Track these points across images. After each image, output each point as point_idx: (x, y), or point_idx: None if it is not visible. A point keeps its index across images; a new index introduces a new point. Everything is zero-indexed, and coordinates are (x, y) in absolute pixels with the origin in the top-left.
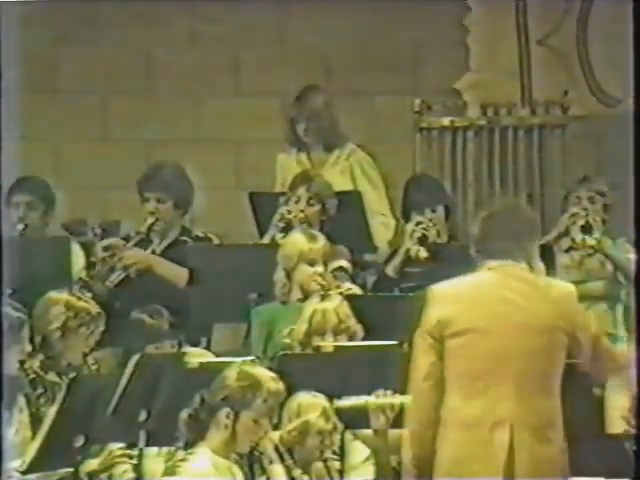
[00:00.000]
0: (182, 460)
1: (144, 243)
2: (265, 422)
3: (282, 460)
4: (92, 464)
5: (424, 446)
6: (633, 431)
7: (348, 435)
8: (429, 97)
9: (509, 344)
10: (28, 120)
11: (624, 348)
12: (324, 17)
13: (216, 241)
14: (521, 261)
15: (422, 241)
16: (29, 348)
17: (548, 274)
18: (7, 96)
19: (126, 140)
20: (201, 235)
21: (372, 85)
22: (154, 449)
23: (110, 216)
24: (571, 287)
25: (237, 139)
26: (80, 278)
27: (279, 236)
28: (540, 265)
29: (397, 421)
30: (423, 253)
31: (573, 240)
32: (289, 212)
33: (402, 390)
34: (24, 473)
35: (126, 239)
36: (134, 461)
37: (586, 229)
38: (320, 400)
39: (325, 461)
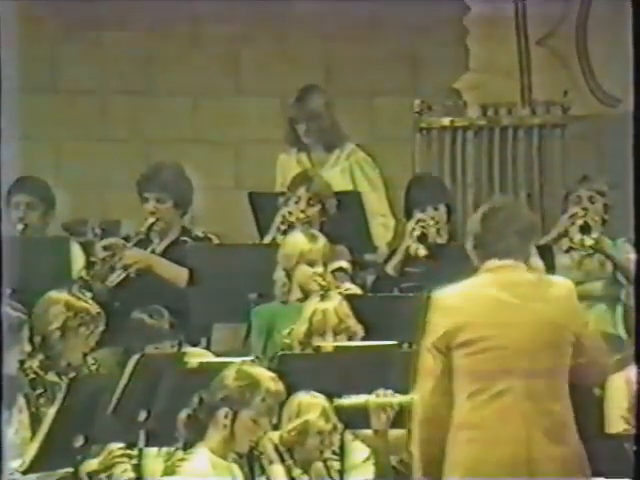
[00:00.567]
0: (181, 460)
1: (144, 243)
2: (264, 422)
3: (282, 460)
4: (92, 464)
5: (434, 452)
6: (633, 431)
7: (348, 435)
8: (429, 97)
9: (516, 350)
10: (28, 120)
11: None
12: (324, 17)
13: (216, 241)
14: (520, 260)
15: (421, 239)
16: (29, 348)
17: (548, 274)
18: (7, 96)
19: (126, 140)
20: (201, 235)
21: (372, 85)
22: (154, 449)
23: (110, 216)
24: (570, 283)
25: (237, 139)
26: (80, 278)
27: (279, 237)
28: (539, 263)
29: (397, 421)
30: (422, 251)
31: (572, 240)
32: (290, 214)
33: (402, 389)
34: (24, 473)
35: (126, 239)
36: (134, 461)
37: (584, 229)
38: (320, 400)
39: (325, 461)
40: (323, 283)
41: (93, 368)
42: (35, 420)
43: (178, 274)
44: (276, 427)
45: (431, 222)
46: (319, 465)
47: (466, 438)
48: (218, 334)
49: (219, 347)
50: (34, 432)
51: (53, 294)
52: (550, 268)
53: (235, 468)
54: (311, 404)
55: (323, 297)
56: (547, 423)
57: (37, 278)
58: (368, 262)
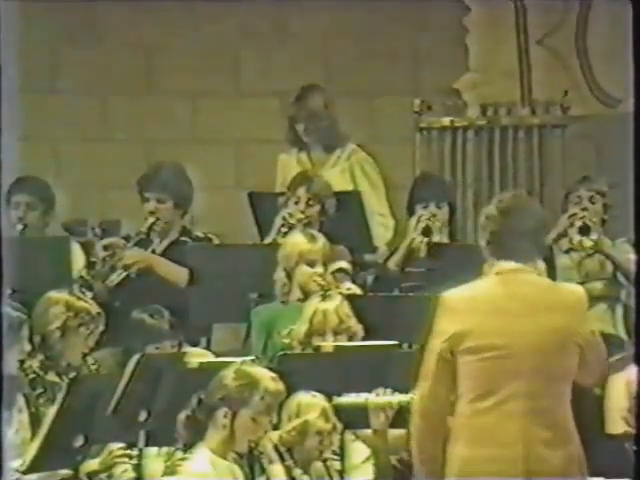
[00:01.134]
0: (182, 460)
1: (144, 243)
2: (264, 421)
3: (282, 460)
4: (92, 464)
5: (432, 452)
6: (633, 431)
7: (348, 435)
8: (429, 97)
9: (522, 359)
10: (28, 120)
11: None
12: (324, 17)
13: (216, 241)
14: (532, 261)
15: (426, 232)
16: (29, 348)
17: (548, 274)
18: (7, 96)
19: (126, 140)
20: (201, 235)
21: (372, 85)
22: (154, 449)
23: (110, 216)
24: (581, 291)
25: (237, 139)
26: (80, 277)
27: (280, 238)
28: (540, 264)
29: (397, 421)
30: (425, 245)
31: (571, 241)
32: (291, 215)
33: (402, 389)
34: (24, 473)
35: (126, 239)
36: (134, 461)
37: (583, 230)
38: (319, 400)
39: (325, 461)
40: (323, 283)
41: (93, 368)
42: (35, 420)
43: (178, 274)
44: (276, 427)
45: (433, 219)
46: (319, 465)
47: (465, 443)
48: (218, 334)
49: (219, 347)
50: (34, 432)
51: (53, 294)
52: (550, 268)
53: (236, 468)
54: (311, 404)
55: (323, 297)
56: (548, 430)
57: (37, 278)
58: (368, 262)
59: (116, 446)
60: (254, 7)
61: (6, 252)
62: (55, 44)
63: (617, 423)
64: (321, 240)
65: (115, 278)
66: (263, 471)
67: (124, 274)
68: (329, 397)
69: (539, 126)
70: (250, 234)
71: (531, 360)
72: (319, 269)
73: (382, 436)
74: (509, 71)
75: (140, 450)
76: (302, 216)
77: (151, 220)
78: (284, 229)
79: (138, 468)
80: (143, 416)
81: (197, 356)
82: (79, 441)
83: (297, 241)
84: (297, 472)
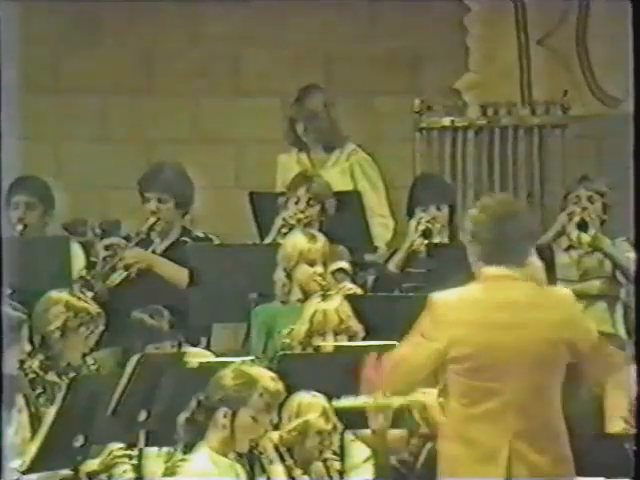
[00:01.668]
0: (182, 460)
1: (145, 243)
2: (264, 420)
3: (282, 460)
4: (92, 464)
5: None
6: (632, 431)
7: (348, 435)
8: (429, 97)
9: (510, 366)
10: (28, 120)
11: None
12: (324, 17)
13: (216, 241)
14: (521, 267)
15: (426, 234)
16: (28, 348)
17: (547, 273)
18: (7, 96)
19: (126, 140)
20: (201, 235)
21: (372, 85)
22: (154, 449)
23: (110, 216)
24: (569, 294)
25: (237, 139)
26: (81, 277)
27: (280, 239)
28: (538, 263)
29: (395, 421)
30: (425, 246)
31: (569, 237)
32: (291, 216)
33: None
34: (24, 473)
35: (127, 239)
36: (134, 461)
37: (581, 226)
38: (320, 400)
39: (325, 461)
40: (323, 283)
41: (93, 368)
42: (35, 420)
43: (179, 274)
44: (276, 427)
45: (433, 221)
46: (319, 465)
47: (454, 453)
48: (218, 334)
49: (219, 347)
50: (34, 432)
51: (53, 294)
52: (550, 267)
53: (237, 466)
54: (311, 404)
55: (324, 297)
56: (536, 438)
57: (37, 278)
58: (368, 262)
59: (116, 446)
60: (254, 7)
61: (6, 252)
62: (55, 44)
63: (617, 423)
64: (321, 240)
65: (116, 278)
66: (263, 471)
67: (124, 274)
68: (329, 397)
69: (539, 126)
70: (250, 234)
71: (517, 373)
72: (319, 269)
73: (381, 436)
74: (509, 71)
75: (140, 450)
76: (302, 216)
77: (152, 220)
78: (284, 230)
79: (138, 468)
80: (143, 416)
81: (197, 356)
82: (79, 441)
83: (297, 241)
84: (297, 472)
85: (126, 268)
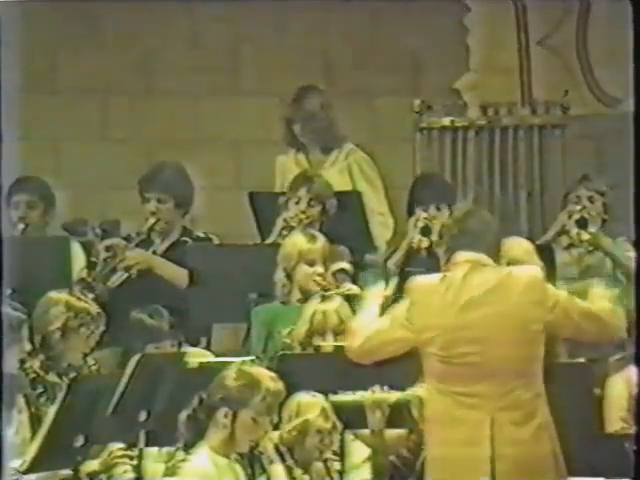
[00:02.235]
0: (182, 460)
1: (145, 243)
2: (264, 421)
3: (282, 460)
4: (92, 464)
5: None
6: (632, 431)
7: (348, 435)
8: (429, 97)
9: (487, 346)
10: (28, 120)
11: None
12: (324, 17)
13: (217, 241)
14: (485, 253)
15: (425, 231)
16: (29, 348)
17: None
18: (7, 96)
19: (126, 140)
20: (202, 235)
21: (372, 85)
22: (154, 449)
23: (110, 216)
24: (535, 270)
25: (237, 139)
26: (81, 278)
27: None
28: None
29: (394, 420)
30: (425, 243)
31: (569, 234)
32: (292, 218)
33: (402, 389)
34: (24, 473)
35: (127, 239)
36: (134, 461)
37: (581, 224)
38: (319, 400)
39: (325, 461)
40: (323, 283)
41: (93, 368)
42: (35, 420)
43: (179, 275)
44: (276, 427)
45: (431, 219)
46: (319, 465)
47: (440, 436)
48: (218, 334)
49: (219, 347)
50: (34, 432)
51: (53, 294)
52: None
53: (237, 467)
54: (311, 403)
55: (324, 298)
56: (516, 416)
57: (37, 278)
58: (368, 262)
59: (116, 446)
60: (254, 7)
61: (6, 252)
62: (55, 44)
63: (616, 423)
64: (321, 240)
65: (117, 279)
66: (264, 471)
67: (125, 275)
68: (328, 396)
69: (539, 126)
70: (250, 234)
71: (494, 345)
72: (319, 269)
73: (380, 436)
74: (509, 71)
75: (140, 450)
76: (303, 217)
77: (152, 220)
78: (285, 231)
79: (138, 468)
80: (143, 416)
81: (197, 356)
82: (79, 441)
83: (297, 241)
84: (297, 472)
85: (126, 269)
